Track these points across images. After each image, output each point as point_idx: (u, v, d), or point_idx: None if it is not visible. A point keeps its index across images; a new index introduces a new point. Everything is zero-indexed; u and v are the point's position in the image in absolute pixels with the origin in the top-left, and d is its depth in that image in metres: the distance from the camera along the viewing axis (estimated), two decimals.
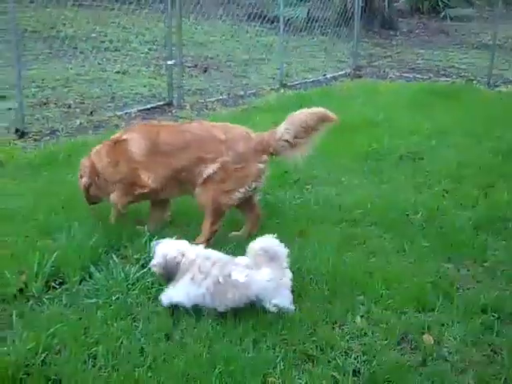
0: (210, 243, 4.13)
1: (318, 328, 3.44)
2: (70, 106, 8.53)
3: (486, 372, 3.15)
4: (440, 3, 19.79)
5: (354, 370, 3.12)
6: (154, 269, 3.67)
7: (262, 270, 3.47)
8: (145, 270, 3.87)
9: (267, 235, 3.60)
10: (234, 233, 4.51)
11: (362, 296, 3.78)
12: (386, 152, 6.48)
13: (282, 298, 3.50)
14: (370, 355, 3.23)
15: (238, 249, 3.93)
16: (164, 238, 3.76)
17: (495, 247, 4.47)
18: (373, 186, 5.62)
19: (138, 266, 3.93)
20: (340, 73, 11.93)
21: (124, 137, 4.49)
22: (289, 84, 10.67)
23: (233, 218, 4.59)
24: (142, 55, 11.02)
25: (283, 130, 4.29)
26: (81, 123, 7.81)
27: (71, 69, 9.98)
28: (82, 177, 4.63)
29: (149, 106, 8.84)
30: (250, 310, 3.49)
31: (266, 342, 3.29)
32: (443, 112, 8.20)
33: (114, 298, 3.63)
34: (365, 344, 3.34)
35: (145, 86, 9.92)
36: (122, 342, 3.25)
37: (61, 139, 7.14)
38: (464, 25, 18.63)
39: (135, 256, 4.07)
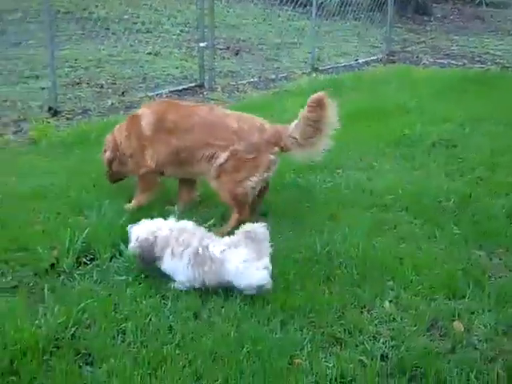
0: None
1: (346, 311, 3.42)
2: (102, 86, 8.61)
3: None
4: None
5: (381, 355, 3.09)
6: (132, 253, 3.68)
7: (238, 249, 3.45)
8: None
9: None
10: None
11: (392, 281, 3.74)
12: (418, 138, 6.38)
13: (252, 280, 3.44)
14: (399, 340, 3.20)
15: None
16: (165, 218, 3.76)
17: None
18: (404, 172, 5.55)
19: None
20: (372, 58, 11.82)
21: (139, 111, 4.62)
22: (320, 68, 10.60)
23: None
24: (174, 37, 10.99)
25: (294, 126, 4.25)
26: (112, 103, 7.88)
27: (103, 50, 10.03)
28: (105, 151, 4.70)
29: (180, 88, 8.85)
30: (277, 292, 3.49)
31: (294, 323, 3.29)
32: (477, 99, 8.04)
33: (143, 276, 3.65)
34: (393, 329, 3.31)
35: (176, 68, 9.93)
36: (150, 319, 3.27)
37: (93, 118, 7.22)
38: (500, 11, 18.27)
39: None
